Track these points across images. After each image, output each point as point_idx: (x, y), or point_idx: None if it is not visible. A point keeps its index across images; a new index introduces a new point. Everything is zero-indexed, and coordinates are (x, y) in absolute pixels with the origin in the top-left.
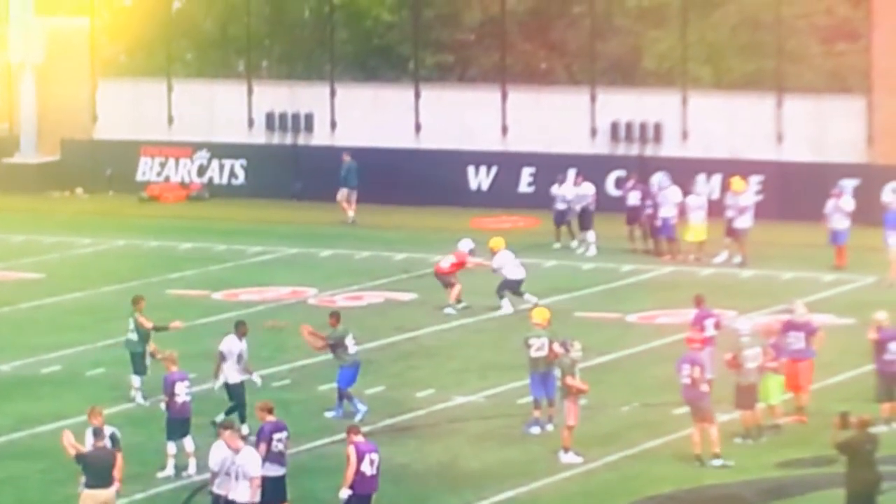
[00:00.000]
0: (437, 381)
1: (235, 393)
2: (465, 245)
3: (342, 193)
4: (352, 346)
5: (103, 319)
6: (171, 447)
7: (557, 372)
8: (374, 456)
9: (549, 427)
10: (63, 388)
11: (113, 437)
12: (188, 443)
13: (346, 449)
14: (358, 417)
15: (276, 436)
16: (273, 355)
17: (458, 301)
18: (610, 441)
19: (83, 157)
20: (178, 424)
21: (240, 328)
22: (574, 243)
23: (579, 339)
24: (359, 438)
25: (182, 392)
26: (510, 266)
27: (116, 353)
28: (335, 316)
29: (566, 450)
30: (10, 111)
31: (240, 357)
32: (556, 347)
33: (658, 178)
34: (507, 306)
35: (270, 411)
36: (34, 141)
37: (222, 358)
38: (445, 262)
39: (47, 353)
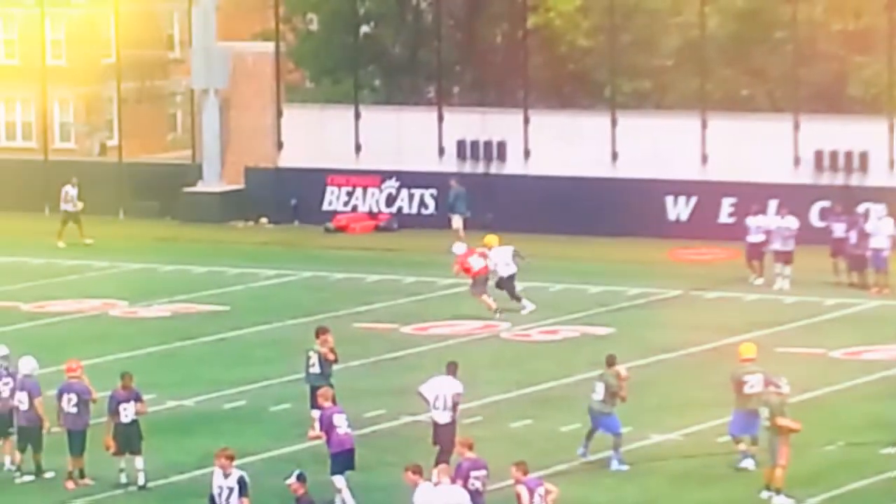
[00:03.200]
0: (634, 418)
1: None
2: (460, 248)
3: (457, 221)
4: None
5: (288, 353)
6: (339, 480)
7: (765, 411)
8: (541, 490)
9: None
10: (246, 424)
11: (241, 481)
12: (338, 480)
13: (515, 488)
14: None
15: (474, 473)
16: (465, 391)
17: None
18: (814, 481)
19: (267, 186)
20: (342, 458)
21: (450, 367)
22: (759, 280)
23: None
24: (524, 475)
25: (342, 424)
26: (502, 263)
27: (301, 389)
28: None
29: (778, 491)
30: (194, 138)
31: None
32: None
33: (870, 209)
34: (528, 305)
35: (470, 447)
36: (217, 169)
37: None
38: (476, 263)
39: (231, 387)
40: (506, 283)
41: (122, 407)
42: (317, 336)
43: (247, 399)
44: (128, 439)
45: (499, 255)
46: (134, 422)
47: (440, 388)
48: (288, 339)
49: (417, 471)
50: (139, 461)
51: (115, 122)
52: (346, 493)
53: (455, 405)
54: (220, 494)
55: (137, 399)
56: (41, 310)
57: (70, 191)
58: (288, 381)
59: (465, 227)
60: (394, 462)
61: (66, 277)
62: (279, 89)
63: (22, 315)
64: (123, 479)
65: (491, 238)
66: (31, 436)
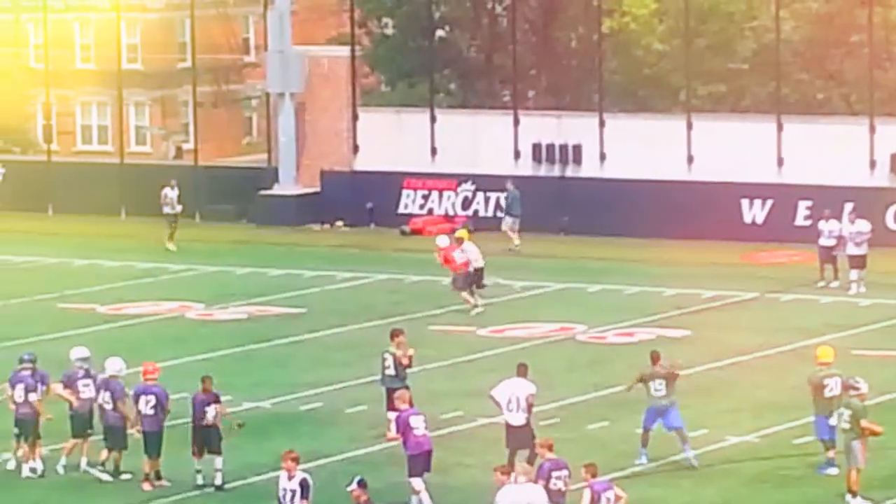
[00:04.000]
0: (711, 420)
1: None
2: (443, 241)
3: (507, 223)
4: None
5: (364, 356)
6: (418, 483)
7: (845, 413)
8: (610, 494)
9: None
10: (322, 426)
11: (303, 483)
12: (416, 482)
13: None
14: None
15: (556, 474)
16: (541, 393)
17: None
18: (892, 484)
19: (343, 189)
20: (419, 460)
21: (520, 369)
22: (835, 283)
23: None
24: (592, 478)
25: (419, 426)
26: (475, 256)
27: (377, 391)
28: (656, 353)
29: (854, 494)
30: (269, 142)
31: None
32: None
33: None
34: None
35: (550, 448)
36: (293, 173)
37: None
38: (459, 257)
39: (307, 389)
40: (474, 277)
41: (206, 409)
42: (392, 338)
43: (323, 401)
44: (208, 440)
45: (471, 249)
46: (213, 423)
47: (512, 391)
48: (363, 342)
49: (506, 472)
50: (218, 461)
51: (190, 125)
52: (425, 496)
53: (529, 406)
54: (284, 497)
55: (217, 401)
56: (118, 312)
57: (169, 193)
58: (364, 383)
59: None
60: (471, 464)
61: (142, 280)
62: (355, 93)
63: (99, 317)
64: (200, 480)
65: (462, 232)
66: (113, 436)
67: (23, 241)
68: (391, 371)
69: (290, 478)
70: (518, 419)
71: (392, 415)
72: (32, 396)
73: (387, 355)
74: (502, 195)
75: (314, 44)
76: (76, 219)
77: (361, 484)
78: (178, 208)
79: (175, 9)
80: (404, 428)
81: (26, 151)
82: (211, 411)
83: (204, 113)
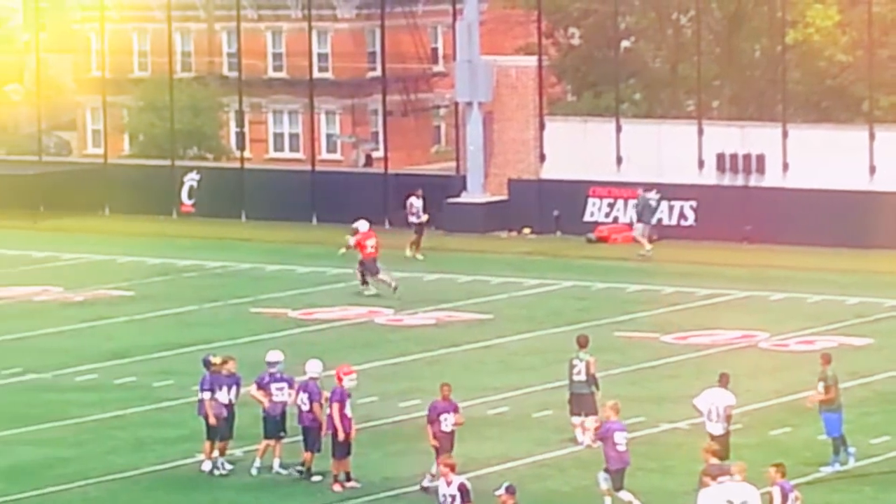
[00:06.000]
0: (893, 427)
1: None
2: (363, 225)
3: (638, 229)
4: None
5: (551, 361)
6: (625, 495)
7: None
8: (794, 494)
9: None
10: (510, 430)
11: (462, 489)
12: (624, 495)
13: (770, 489)
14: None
15: (720, 479)
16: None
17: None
18: None
19: (530, 197)
20: (620, 474)
21: (722, 379)
22: None
23: None
24: (781, 478)
25: (622, 441)
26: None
27: (564, 396)
28: (826, 357)
29: None
30: (458, 150)
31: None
32: None
33: None
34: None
35: (715, 454)
36: (481, 181)
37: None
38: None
39: (494, 394)
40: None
41: (441, 417)
42: (579, 345)
43: (510, 405)
44: (446, 447)
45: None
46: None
47: (713, 400)
48: (550, 347)
49: (711, 474)
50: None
51: (380, 133)
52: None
53: (728, 417)
54: (444, 502)
55: (455, 410)
56: (308, 317)
57: (415, 202)
58: (550, 388)
59: (650, 235)
60: (653, 468)
61: (332, 286)
62: (541, 102)
63: (290, 322)
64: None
65: (361, 223)
66: (308, 437)
67: (216, 246)
68: (580, 377)
69: (449, 483)
70: (717, 429)
71: (577, 420)
72: (221, 397)
73: (576, 361)
74: (687, 204)
75: (502, 54)
76: (268, 225)
77: (510, 490)
78: (424, 217)
79: (365, 19)
80: (608, 439)
81: (219, 158)
82: (450, 419)
83: (393, 121)
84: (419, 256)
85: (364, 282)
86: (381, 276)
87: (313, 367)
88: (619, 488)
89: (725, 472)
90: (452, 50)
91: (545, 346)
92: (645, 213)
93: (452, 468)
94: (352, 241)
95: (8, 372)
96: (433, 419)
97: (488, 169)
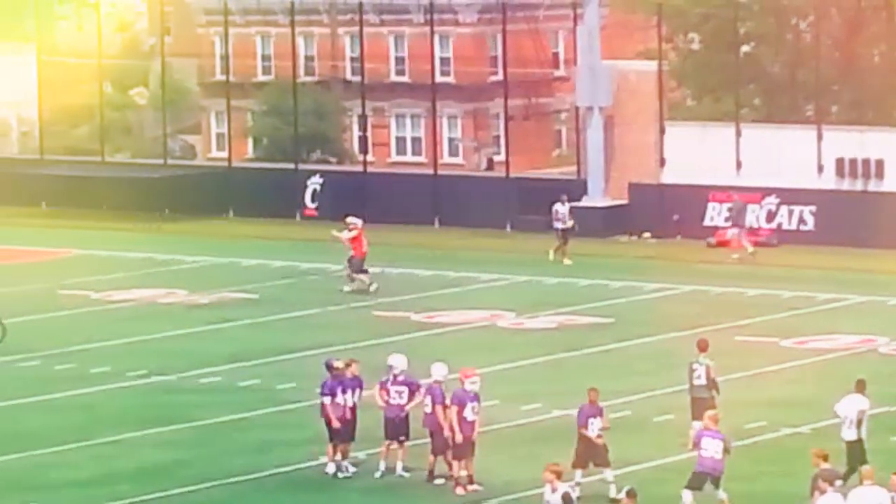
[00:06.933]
0: None
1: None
2: (358, 222)
3: (732, 233)
4: None
5: (671, 365)
6: (686, 495)
7: None
8: None
9: None
10: (630, 434)
11: (566, 498)
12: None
13: (893, 496)
14: None
15: (836, 483)
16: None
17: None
18: None
19: (651, 202)
20: (699, 477)
21: (858, 384)
22: None
23: None
24: None
25: (708, 447)
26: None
27: (685, 400)
28: None
29: None
30: (578, 155)
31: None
32: None
33: None
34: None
35: (825, 458)
36: (601, 185)
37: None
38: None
39: (615, 398)
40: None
41: (589, 421)
42: (701, 349)
43: (631, 409)
44: (595, 452)
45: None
46: (599, 436)
47: (849, 406)
48: (670, 352)
49: (829, 479)
50: (609, 473)
51: (501, 138)
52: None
53: (859, 421)
54: None
55: (601, 414)
56: (430, 320)
57: (560, 208)
58: (671, 393)
59: (743, 239)
60: (773, 472)
61: (454, 289)
62: (661, 107)
63: (412, 325)
64: (578, 492)
65: (357, 219)
66: (433, 440)
67: (339, 249)
68: (700, 381)
69: (554, 490)
70: (850, 434)
71: (697, 424)
72: (344, 400)
73: (696, 365)
74: (807, 209)
75: (622, 58)
76: (390, 228)
77: (630, 494)
78: (570, 223)
79: (487, 23)
80: (697, 445)
81: (342, 162)
82: (596, 423)
83: (514, 125)
84: (567, 261)
85: (352, 278)
86: (363, 276)
87: (438, 371)
88: (692, 488)
89: (838, 477)
90: (573, 54)
91: (665, 351)
92: (739, 217)
93: (559, 475)
94: (347, 235)
95: (133, 374)
96: (583, 423)
97: (609, 173)
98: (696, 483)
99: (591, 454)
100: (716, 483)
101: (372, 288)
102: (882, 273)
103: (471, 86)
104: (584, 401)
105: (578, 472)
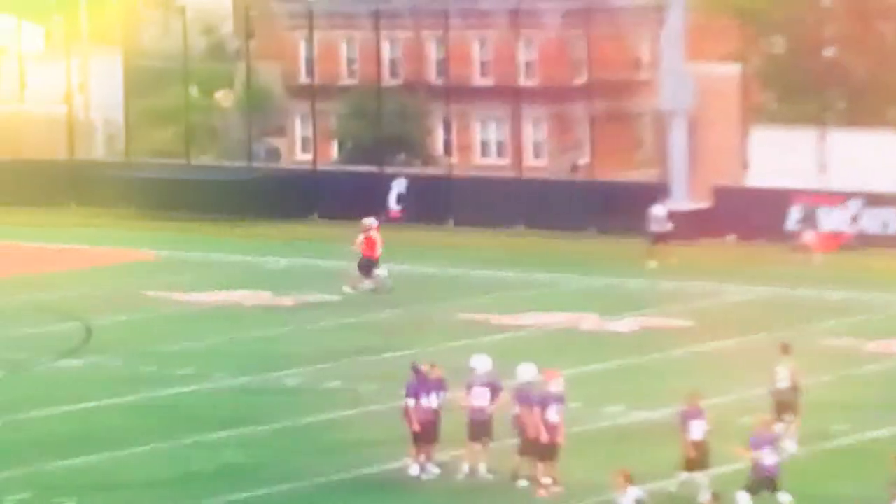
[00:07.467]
0: None
1: None
2: (373, 222)
3: (809, 236)
4: None
5: (754, 368)
6: (744, 497)
7: None
8: None
9: None
10: (713, 437)
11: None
12: (782, 496)
13: None
14: None
15: None
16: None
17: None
18: None
19: (735, 204)
20: (761, 481)
21: None
22: None
23: None
24: None
25: (765, 451)
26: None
27: (768, 402)
28: None
29: None
30: (662, 157)
31: None
32: None
33: None
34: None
35: None
36: (685, 187)
37: None
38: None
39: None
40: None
41: (691, 424)
42: (783, 352)
43: (713, 412)
44: (703, 455)
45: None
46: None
47: None
48: (753, 355)
49: None
50: (702, 476)
51: (585, 141)
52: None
53: None
54: None
55: (701, 416)
56: (513, 322)
57: (657, 211)
58: (754, 396)
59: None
60: (853, 476)
61: (537, 291)
62: (745, 110)
63: (493, 327)
64: (673, 489)
65: (372, 219)
66: (521, 442)
67: (424, 252)
68: (784, 384)
69: (624, 494)
70: None
71: (779, 427)
72: (428, 403)
73: (779, 368)
74: (892, 212)
75: (706, 61)
76: (475, 231)
77: (715, 497)
78: (668, 226)
79: (571, 27)
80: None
81: (427, 165)
82: (699, 426)
83: (598, 129)
84: (652, 264)
85: (370, 278)
86: (367, 282)
87: (524, 373)
88: (749, 491)
89: None
90: (656, 58)
91: (748, 353)
92: (809, 221)
93: (628, 478)
94: (361, 237)
95: (217, 375)
96: (684, 427)
97: (692, 176)
98: (755, 487)
99: (695, 457)
100: (773, 486)
101: (362, 287)
102: None
103: (554, 89)
104: (662, 401)
105: (684, 475)
